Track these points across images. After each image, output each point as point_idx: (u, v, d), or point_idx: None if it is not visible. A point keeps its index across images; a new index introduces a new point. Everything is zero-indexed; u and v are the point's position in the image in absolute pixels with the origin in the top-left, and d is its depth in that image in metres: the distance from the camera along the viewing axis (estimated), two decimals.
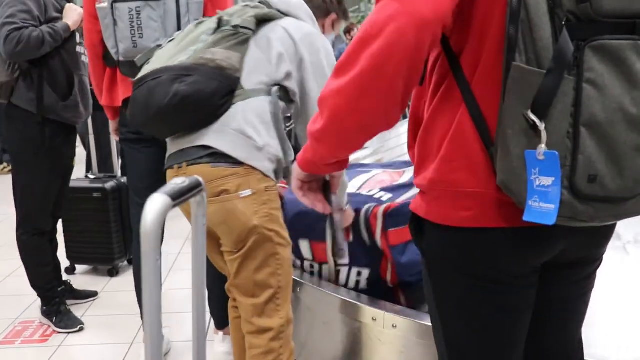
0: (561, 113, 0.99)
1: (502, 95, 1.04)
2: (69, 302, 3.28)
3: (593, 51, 0.99)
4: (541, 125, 0.99)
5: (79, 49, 2.94)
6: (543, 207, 1.01)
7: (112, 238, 3.75)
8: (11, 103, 2.85)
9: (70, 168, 3.16)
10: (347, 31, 9.64)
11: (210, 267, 1.86)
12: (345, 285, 2.28)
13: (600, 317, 1.72)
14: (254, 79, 1.83)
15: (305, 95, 1.92)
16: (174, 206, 1.03)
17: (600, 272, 1.31)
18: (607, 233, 1.24)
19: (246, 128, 1.78)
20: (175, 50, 1.84)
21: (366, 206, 2.23)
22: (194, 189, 1.11)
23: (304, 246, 2.31)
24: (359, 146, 1.22)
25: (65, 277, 3.48)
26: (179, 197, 1.05)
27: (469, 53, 1.11)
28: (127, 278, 3.82)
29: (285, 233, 1.90)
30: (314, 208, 1.38)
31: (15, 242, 3.04)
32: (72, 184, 3.31)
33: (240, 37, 1.81)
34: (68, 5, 2.89)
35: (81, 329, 3.10)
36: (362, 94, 1.09)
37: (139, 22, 2.29)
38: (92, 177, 3.86)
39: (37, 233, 3.02)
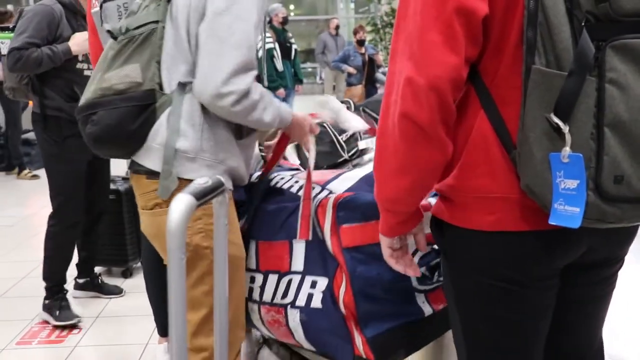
0: (584, 114, 0.99)
1: (523, 99, 1.05)
2: (90, 293, 3.52)
3: (614, 51, 0.99)
4: (565, 128, 0.99)
5: (81, 65, 3.13)
6: (568, 209, 1.01)
7: (125, 239, 3.78)
8: (33, 110, 3.19)
9: (98, 162, 3.27)
10: (355, 33, 9.66)
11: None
12: (294, 303, 1.80)
13: (619, 317, 1.72)
14: (175, 75, 1.64)
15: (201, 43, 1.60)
16: (199, 206, 1.04)
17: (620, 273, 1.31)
18: (630, 233, 1.23)
19: (172, 139, 1.62)
20: (97, 70, 1.70)
21: (317, 198, 1.79)
22: (216, 188, 1.13)
23: (251, 250, 1.89)
24: (430, 188, 1.22)
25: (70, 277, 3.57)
26: (203, 197, 1.07)
27: (487, 60, 1.12)
28: (141, 279, 3.82)
29: (230, 248, 1.63)
30: (406, 273, 1.37)
31: (30, 243, 3.10)
32: None
33: (136, 42, 1.61)
34: (80, 34, 3.03)
35: (78, 322, 3.16)
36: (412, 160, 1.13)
37: None
38: None
39: (68, 225, 3.17)
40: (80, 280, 3.54)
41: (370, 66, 9.38)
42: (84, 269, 3.54)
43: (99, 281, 3.60)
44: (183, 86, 1.63)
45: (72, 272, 3.53)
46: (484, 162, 1.13)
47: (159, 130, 1.63)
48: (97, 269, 3.76)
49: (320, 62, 11.06)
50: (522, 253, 1.15)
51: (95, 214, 3.44)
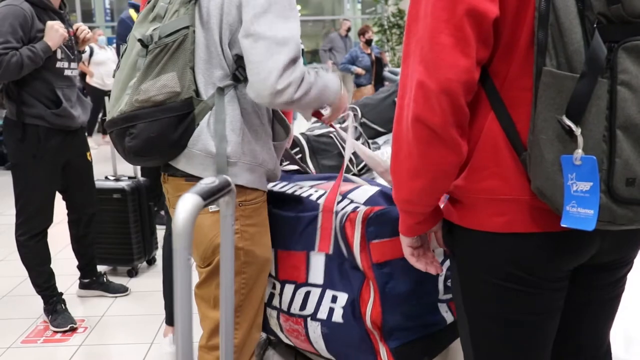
0: (596, 117, 0.99)
1: (534, 101, 1.04)
2: (95, 292, 3.51)
3: (626, 52, 0.98)
4: (577, 130, 0.99)
5: (61, 64, 3.04)
6: (581, 212, 1.01)
7: (131, 239, 3.78)
8: (6, 116, 3.03)
9: (80, 167, 3.27)
10: (362, 33, 9.68)
11: None
12: (314, 316, 1.79)
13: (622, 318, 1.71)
14: (211, 80, 1.64)
15: (254, 39, 1.57)
16: (205, 205, 1.04)
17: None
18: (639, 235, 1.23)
19: (222, 148, 1.63)
20: (121, 80, 1.69)
21: (342, 211, 1.76)
22: (223, 188, 1.13)
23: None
24: (445, 189, 1.21)
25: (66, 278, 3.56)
26: (210, 197, 1.06)
27: (498, 62, 1.11)
28: (146, 279, 3.85)
29: (261, 249, 1.74)
30: (427, 270, 1.37)
31: None
32: None
33: (169, 50, 1.60)
34: (49, 24, 2.93)
35: (71, 329, 3.13)
36: (426, 157, 1.12)
37: None
38: (111, 178, 3.90)
39: (35, 234, 3.11)
40: (85, 280, 3.55)
41: (378, 65, 9.42)
42: (86, 271, 3.53)
43: (104, 280, 3.61)
44: (221, 90, 1.64)
45: (75, 271, 3.55)
46: (493, 164, 1.12)
47: (200, 136, 1.64)
48: (103, 268, 3.77)
49: (323, 58, 11.03)
50: (532, 254, 1.14)
51: (86, 219, 3.39)
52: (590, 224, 1.00)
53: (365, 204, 1.80)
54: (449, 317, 1.72)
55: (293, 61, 1.57)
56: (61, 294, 3.26)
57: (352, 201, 1.81)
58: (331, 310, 1.76)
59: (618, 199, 1.00)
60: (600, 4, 0.99)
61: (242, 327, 1.75)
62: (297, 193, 1.91)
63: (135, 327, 3.17)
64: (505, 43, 1.10)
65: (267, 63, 1.55)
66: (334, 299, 1.76)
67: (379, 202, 1.80)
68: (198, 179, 1.63)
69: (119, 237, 3.78)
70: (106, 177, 3.92)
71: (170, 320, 2.72)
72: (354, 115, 3.17)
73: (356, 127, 2.98)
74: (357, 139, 2.93)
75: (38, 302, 3.26)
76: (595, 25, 0.98)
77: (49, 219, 3.16)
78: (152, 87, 1.59)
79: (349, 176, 2.16)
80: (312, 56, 16.02)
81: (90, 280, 3.54)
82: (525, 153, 1.08)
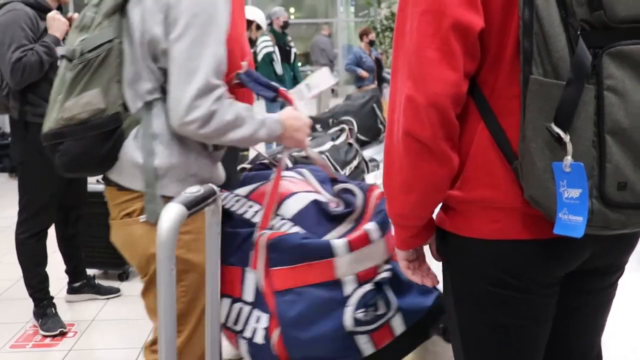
0: (584, 123, 0.99)
1: (522, 109, 1.04)
2: (88, 296, 3.52)
3: (611, 58, 0.98)
4: (566, 137, 0.99)
5: (60, 62, 3.02)
6: (572, 219, 1.01)
7: None
8: (10, 116, 3.10)
9: None
10: (364, 34, 9.78)
11: None
12: (242, 333, 1.76)
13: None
14: (140, 93, 1.60)
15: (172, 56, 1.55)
16: (189, 215, 1.04)
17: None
18: (631, 241, 1.23)
19: (141, 157, 1.60)
20: (53, 92, 1.67)
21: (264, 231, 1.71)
22: (208, 197, 1.13)
23: None
24: (438, 202, 1.21)
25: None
26: (194, 206, 1.06)
27: (486, 72, 1.12)
28: (137, 282, 3.82)
29: (199, 257, 1.66)
30: (424, 283, 1.35)
31: None
32: None
33: (92, 66, 1.57)
34: (50, 16, 2.98)
35: (61, 333, 3.12)
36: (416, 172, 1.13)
37: None
38: (103, 181, 3.89)
39: (36, 233, 3.13)
40: (76, 284, 3.53)
41: (378, 67, 9.56)
42: (75, 274, 3.53)
43: (95, 282, 3.60)
44: (149, 104, 1.61)
45: (62, 275, 3.53)
46: (485, 174, 1.13)
47: (128, 149, 1.61)
48: (93, 272, 3.76)
49: (320, 55, 11.16)
50: (525, 261, 1.15)
51: (73, 219, 3.40)
52: (579, 231, 1.01)
53: (293, 219, 1.76)
54: (368, 349, 1.67)
55: (203, 93, 1.52)
56: (52, 297, 3.26)
57: (282, 218, 1.78)
58: (255, 330, 1.74)
59: (610, 204, 1.01)
60: (583, 11, 0.99)
61: (183, 334, 1.70)
62: (233, 209, 1.87)
63: (125, 331, 3.17)
64: (492, 53, 1.10)
65: (176, 93, 1.53)
66: (258, 319, 1.74)
67: (309, 215, 1.77)
68: (131, 189, 1.64)
69: (110, 241, 3.75)
70: (97, 180, 3.90)
71: None
72: (350, 129, 2.93)
73: (351, 144, 2.79)
74: (354, 157, 2.76)
75: (27, 306, 3.25)
76: (579, 32, 0.99)
77: (50, 219, 3.19)
78: (75, 105, 1.56)
79: (287, 173, 2.01)
80: (305, 59, 16.01)
81: (81, 284, 3.53)
82: (516, 162, 1.08)
